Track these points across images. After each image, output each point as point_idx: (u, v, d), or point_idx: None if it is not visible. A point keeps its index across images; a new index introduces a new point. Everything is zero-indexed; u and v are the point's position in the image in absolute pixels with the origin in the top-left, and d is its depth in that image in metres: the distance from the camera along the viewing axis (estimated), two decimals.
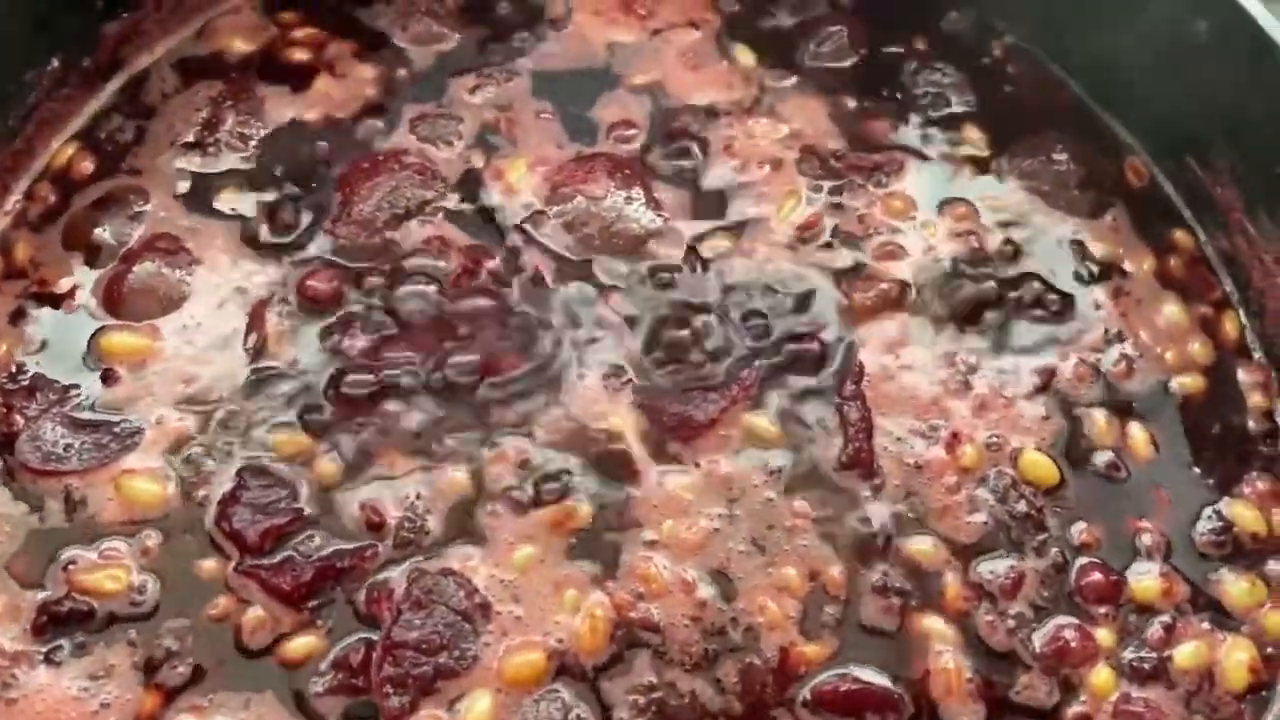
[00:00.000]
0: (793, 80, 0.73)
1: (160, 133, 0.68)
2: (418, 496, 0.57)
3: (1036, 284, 0.65)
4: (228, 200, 0.66)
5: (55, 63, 0.66)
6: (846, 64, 0.74)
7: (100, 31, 0.68)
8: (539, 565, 0.56)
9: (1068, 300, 0.65)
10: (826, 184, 0.68)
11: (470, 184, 0.68)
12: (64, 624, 0.54)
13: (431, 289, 0.63)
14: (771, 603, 0.55)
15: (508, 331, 0.62)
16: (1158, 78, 0.67)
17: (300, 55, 0.72)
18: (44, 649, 0.53)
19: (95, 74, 0.69)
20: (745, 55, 0.74)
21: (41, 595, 0.54)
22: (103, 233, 0.64)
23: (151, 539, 0.56)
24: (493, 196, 0.67)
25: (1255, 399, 0.63)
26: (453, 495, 0.57)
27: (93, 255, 0.64)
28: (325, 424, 0.59)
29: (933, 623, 0.55)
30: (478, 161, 0.68)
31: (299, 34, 0.73)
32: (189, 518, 0.56)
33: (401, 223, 0.66)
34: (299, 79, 0.71)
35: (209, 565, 0.55)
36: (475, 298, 0.63)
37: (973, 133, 0.71)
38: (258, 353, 0.61)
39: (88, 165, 0.67)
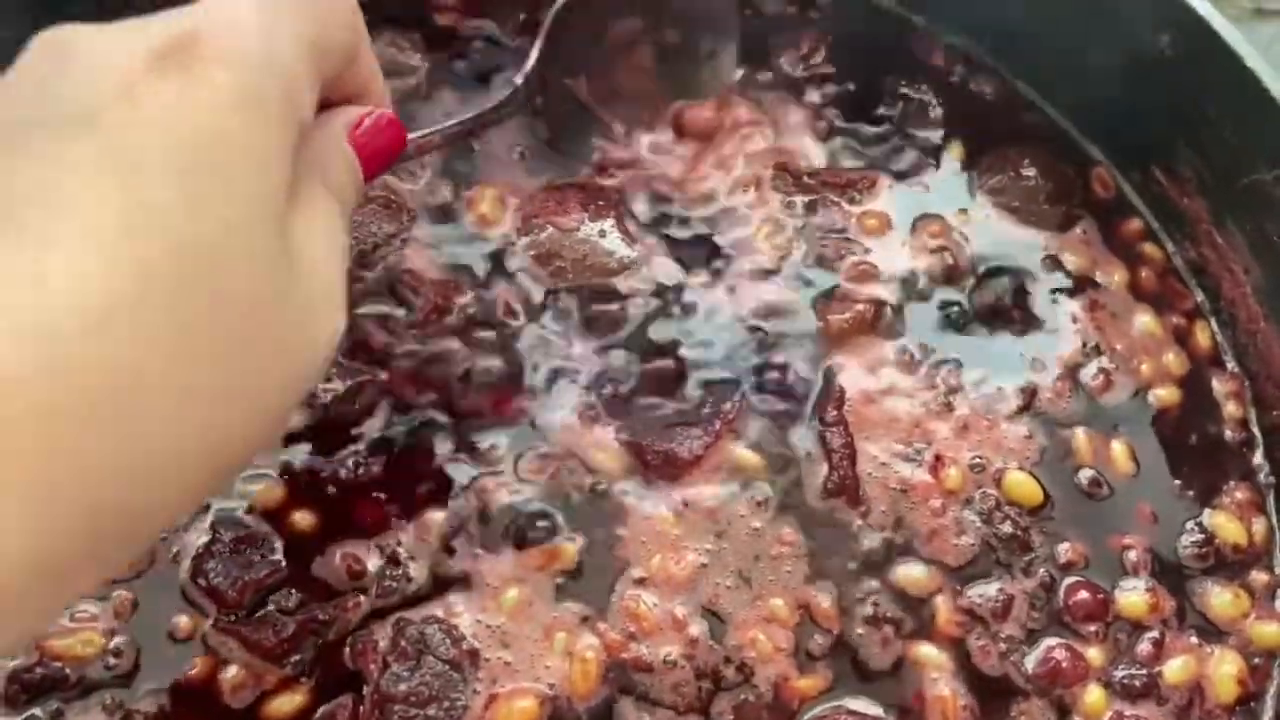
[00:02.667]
0: (767, 96, 0.72)
1: None
2: (398, 544, 0.56)
3: (1012, 300, 0.65)
4: None
5: None
6: (818, 80, 0.73)
7: None
8: (527, 608, 0.55)
9: (1044, 315, 0.65)
10: (799, 201, 0.68)
11: (439, 216, 0.66)
12: (38, 692, 0.52)
13: (401, 326, 0.62)
14: (762, 635, 0.55)
15: (482, 369, 0.61)
16: (1122, 91, 0.67)
17: None
18: (19, 718, 0.51)
19: None
20: None
21: (12, 663, 0.52)
22: None
23: (124, 598, 0.54)
24: (463, 229, 0.66)
25: (1230, 408, 0.64)
26: (434, 540, 0.56)
27: None
28: (300, 473, 0.57)
29: (926, 650, 0.55)
30: (446, 193, 0.67)
31: None
32: (162, 575, 0.55)
33: (367, 258, 0.64)
34: None
35: (185, 623, 0.54)
36: (447, 335, 0.62)
37: (943, 149, 0.71)
38: None
39: None
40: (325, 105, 0.42)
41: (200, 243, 0.32)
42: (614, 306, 0.64)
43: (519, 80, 0.61)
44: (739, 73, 0.71)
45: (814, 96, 0.72)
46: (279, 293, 0.35)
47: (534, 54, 0.62)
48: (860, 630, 0.56)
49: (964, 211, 0.68)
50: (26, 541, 0.29)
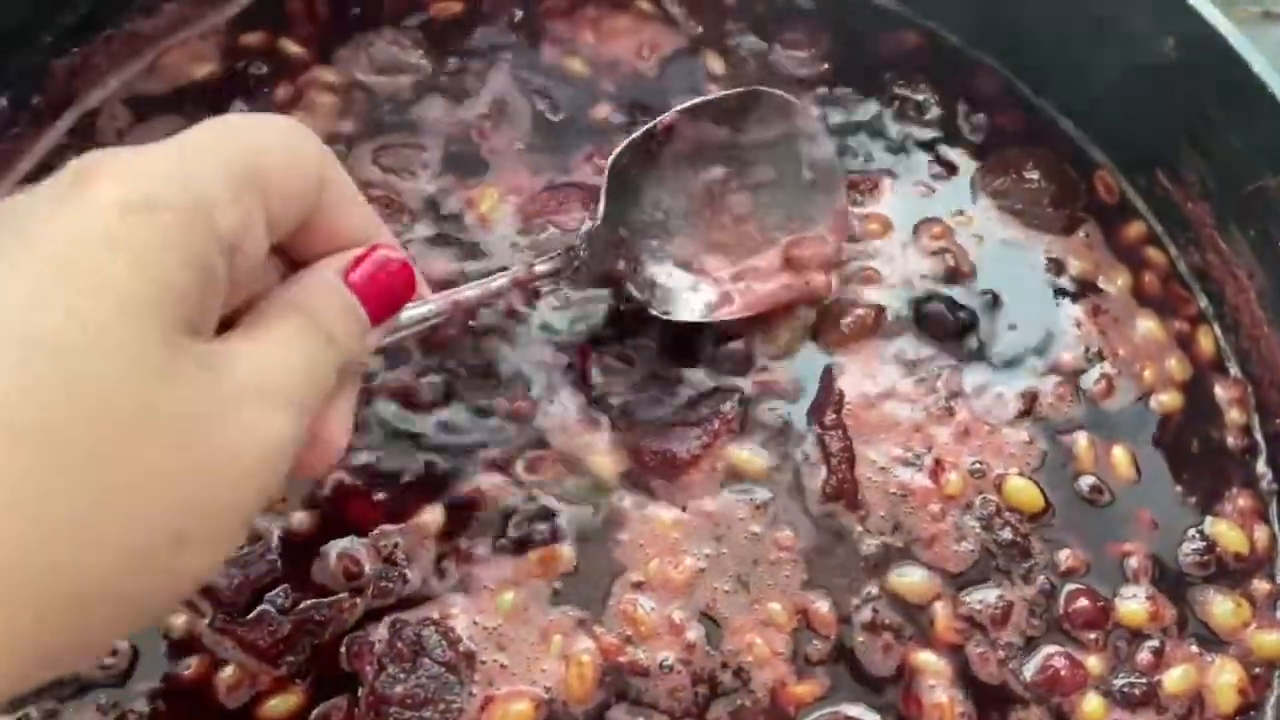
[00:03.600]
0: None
1: None
2: (395, 545, 0.56)
3: (1015, 304, 0.65)
4: None
5: (2, 102, 0.64)
6: (817, 81, 0.73)
7: (50, 68, 0.66)
8: (523, 611, 0.55)
9: (1046, 320, 0.65)
10: None
11: (439, 216, 0.66)
12: (32, 691, 0.52)
13: None
14: (759, 640, 0.55)
15: (481, 369, 0.61)
16: (1126, 94, 0.67)
17: (260, 89, 0.70)
18: (12, 718, 0.51)
19: (45, 112, 0.66)
20: (716, 64, 0.73)
21: None
22: None
23: None
24: (464, 228, 0.66)
25: (1233, 415, 0.63)
26: (432, 542, 0.56)
27: None
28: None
29: (925, 657, 0.55)
30: (446, 192, 0.67)
31: (257, 68, 0.71)
32: None
33: None
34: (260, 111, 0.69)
35: (181, 623, 0.54)
36: (446, 335, 0.62)
37: (946, 152, 0.70)
38: None
39: None
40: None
41: (53, 339, 0.30)
42: (613, 303, 0.63)
43: (580, 237, 0.57)
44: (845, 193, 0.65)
45: (815, 97, 0.72)
46: (172, 402, 0.32)
47: (600, 209, 0.58)
48: (860, 637, 0.55)
49: (966, 214, 0.68)
50: None
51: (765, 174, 0.63)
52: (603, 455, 0.58)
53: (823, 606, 0.56)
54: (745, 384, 0.61)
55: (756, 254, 0.62)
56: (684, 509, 0.57)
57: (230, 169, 0.36)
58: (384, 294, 0.42)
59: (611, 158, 0.59)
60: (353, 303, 0.41)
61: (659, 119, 0.60)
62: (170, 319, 0.32)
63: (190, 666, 0.53)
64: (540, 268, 0.55)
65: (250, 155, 0.37)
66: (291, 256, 0.42)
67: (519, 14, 0.73)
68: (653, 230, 0.60)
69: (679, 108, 0.61)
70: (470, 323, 0.62)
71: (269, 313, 0.38)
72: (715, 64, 0.73)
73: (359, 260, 0.41)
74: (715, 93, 0.66)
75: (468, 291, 0.51)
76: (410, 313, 0.46)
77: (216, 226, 0.34)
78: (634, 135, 0.60)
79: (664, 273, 0.60)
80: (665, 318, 0.59)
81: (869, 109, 0.72)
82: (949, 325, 0.64)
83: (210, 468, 0.33)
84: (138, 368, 0.31)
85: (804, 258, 0.62)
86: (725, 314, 0.61)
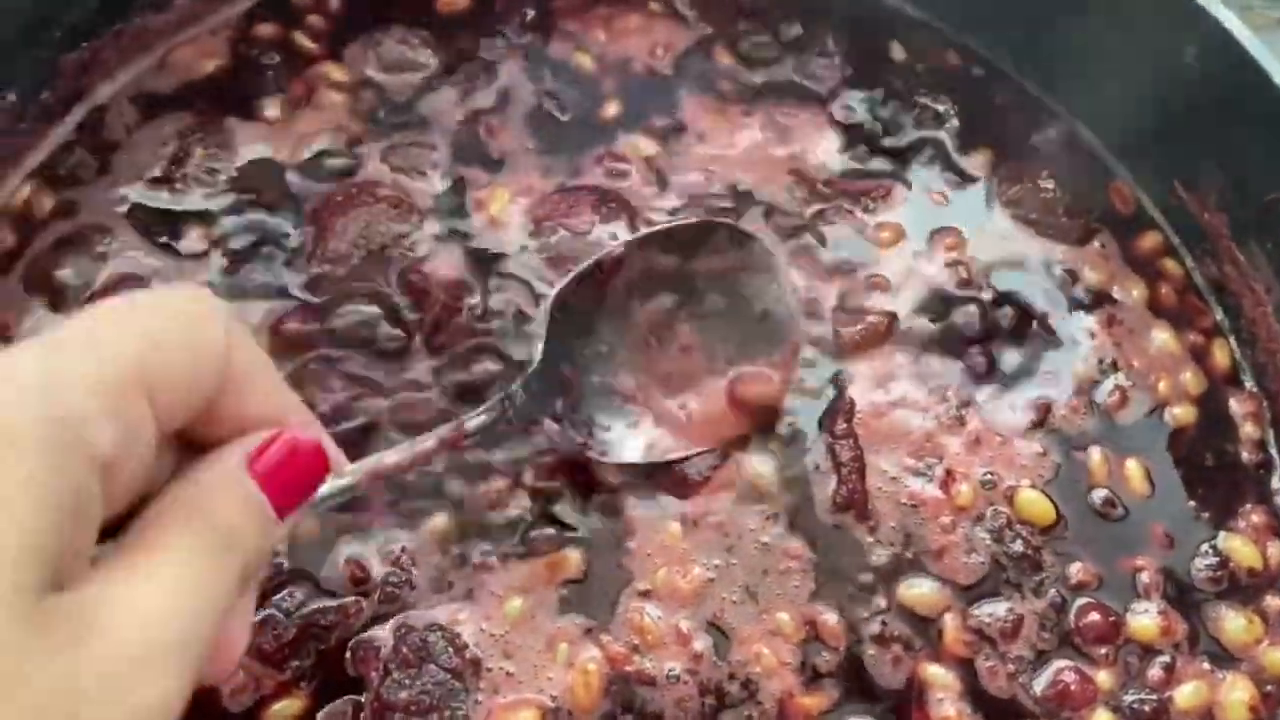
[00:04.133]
0: (785, 102, 0.71)
1: (124, 167, 0.65)
2: (403, 549, 0.55)
3: (1029, 314, 0.65)
4: (195, 238, 0.64)
5: (12, 97, 0.63)
6: (834, 87, 0.72)
7: (59, 63, 0.65)
8: (530, 618, 0.54)
9: (1060, 330, 0.64)
10: (810, 210, 0.67)
11: (448, 216, 0.66)
12: None
13: (412, 326, 0.61)
14: (767, 650, 0.54)
15: (491, 372, 0.60)
16: (1145, 103, 0.66)
17: (270, 85, 0.69)
18: None
19: (54, 107, 0.66)
20: (726, 60, 0.73)
21: None
22: (65, 274, 0.61)
23: None
24: (473, 229, 0.65)
25: (1248, 429, 0.63)
26: (439, 546, 0.56)
27: (56, 299, 0.61)
28: None
29: (934, 670, 0.54)
30: (456, 192, 0.66)
31: (269, 58, 0.70)
32: None
33: (377, 258, 0.64)
34: (268, 110, 0.68)
35: None
36: (456, 337, 0.61)
37: (961, 160, 0.70)
38: None
39: (47, 203, 0.64)
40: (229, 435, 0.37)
41: None
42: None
43: (516, 386, 0.53)
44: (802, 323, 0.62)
45: (832, 104, 0.71)
46: (36, 677, 0.28)
47: (538, 350, 0.55)
48: (869, 650, 0.55)
49: (980, 223, 0.67)
50: None
51: (716, 304, 0.59)
52: (612, 468, 0.58)
53: (831, 618, 0.55)
54: None
55: (702, 386, 0.59)
56: (694, 520, 0.57)
57: (109, 372, 0.31)
58: (293, 483, 0.37)
59: (554, 291, 0.56)
60: (258, 498, 0.36)
61: (608, 251, 0.58)
62: (25, 580, 0.28)
63: None
64: (471, 424, 0.51)
65: (137, 350, 0.32)
66: (190, 440, 0.37)
67: (530, 13, 0.72)
68: (596, 364, 0.58)
69: (628, 239, 0.59)
70: (480, 320, 0.61)
71: (159, 522, 0.33)
72: (726, 60, 0.72)
73: (265, 446, 0.37)
74: (672, 220, 0.63)
75: (390, 458, 0.47)
76: (324, 490, 0.41)
77: (89, 445, 0.30)
78: (580, 268, 0.57)
79: (602, 412, 0.57)
80: (602, 459, 0.57)
81: (885, 114, 0.71)
82: (961, 334, 0.63)
83: None
84: None
85: (749, 394, 0.59)
86: (662, 454, 0.58)
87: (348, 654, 0.53)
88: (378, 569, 0.55)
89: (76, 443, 0.30)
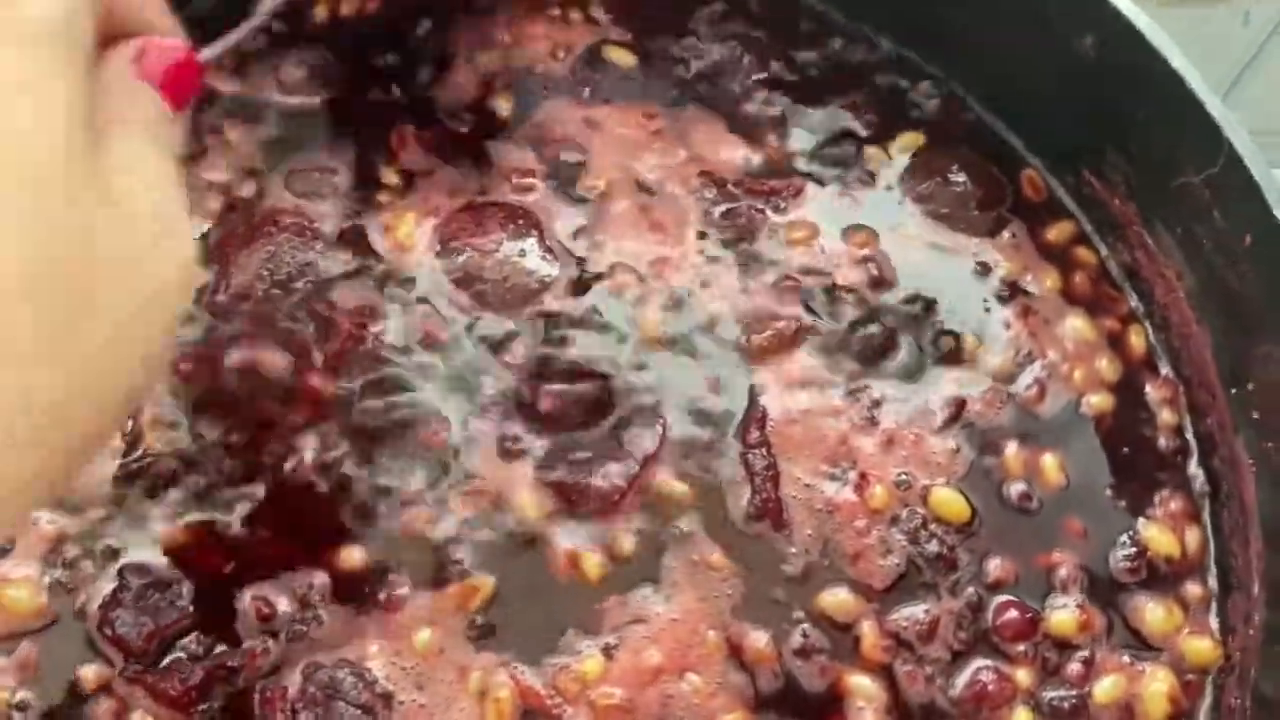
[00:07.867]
0: (691, 102, 0.71)
1: None
2: (310, 586, 0.54)
3: (942, 309, 0.64)
4: None
5: None
6: (742, 87, 0.72)
7: None
8: (441, 649, 0.54)
9: (975, 324, 0.64)
10: (719, 209, 0.66)
11: (354, 241, 0.65)
12: None
13: (317, 356, 0.60)
14: (692, 674, 0.54)
15: (399, 400, 0.60)
16: (1050, 92, 0.66)
17: None
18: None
19: None
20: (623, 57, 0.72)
21: None
22: None
23: (29, 652, 0.53)
24: (379, 253, 0.64)
25: (1165, 415, 0.62)
26: (347, 581, 0.55)
27: None
28: (206, 515, 0.56)
29: (856, 679, 0.54)
30: (361, 216, 0.65)
31: None
32: (68, 627, 0.53)
33: (283, 289, 0.63)
34: None
35: (92, 674, 0.52)
36: (363, 364, 0.60)
37: (870, 156, 0.69)
38: (132, 444, 0.57)
39: None
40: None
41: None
42: (534, 327, 0.62)
43: None
44: None
45: (743, 102, 0.71)
46: (106, 234, 0.35)
47: None
48: (795, 661, 0.54)
49: (892, 220, 0.67)
50: None
51: None
52: (525, 491, 0.57)
53: (754, 632, 0.55)
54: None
55: None
56: (609, 539, 0.56)
57: None
58: (176, 81, 0.41)
59: None
60: (151, 94, 0.40)
61: None
62: (79, 150, 0.34)
63: (99, 717, 0.51)
64: None
65: None
66: None
67: (426, 25, 0.71)
68: None
69: None
70: (387, 347, 0.61)
71: (113, 131, 0.38)
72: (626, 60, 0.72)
73: (145, 48, 0.40)
74: None
75: (223, 45, 0.50)
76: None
77: (87, 40, 0.37)
78: None
79: None
80: None
81: (794, 112, 0.70)
82: (874, 334, 0.63)
83: (149, 279, 0.36)
84: (78, 206, 0.34)
85: None
86: None
87: (256, 696, 0.52)
88: (284, 606, 0.54)
89: (83, 34, 0.36)
